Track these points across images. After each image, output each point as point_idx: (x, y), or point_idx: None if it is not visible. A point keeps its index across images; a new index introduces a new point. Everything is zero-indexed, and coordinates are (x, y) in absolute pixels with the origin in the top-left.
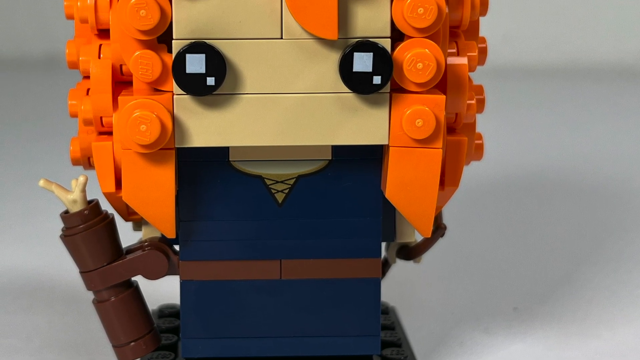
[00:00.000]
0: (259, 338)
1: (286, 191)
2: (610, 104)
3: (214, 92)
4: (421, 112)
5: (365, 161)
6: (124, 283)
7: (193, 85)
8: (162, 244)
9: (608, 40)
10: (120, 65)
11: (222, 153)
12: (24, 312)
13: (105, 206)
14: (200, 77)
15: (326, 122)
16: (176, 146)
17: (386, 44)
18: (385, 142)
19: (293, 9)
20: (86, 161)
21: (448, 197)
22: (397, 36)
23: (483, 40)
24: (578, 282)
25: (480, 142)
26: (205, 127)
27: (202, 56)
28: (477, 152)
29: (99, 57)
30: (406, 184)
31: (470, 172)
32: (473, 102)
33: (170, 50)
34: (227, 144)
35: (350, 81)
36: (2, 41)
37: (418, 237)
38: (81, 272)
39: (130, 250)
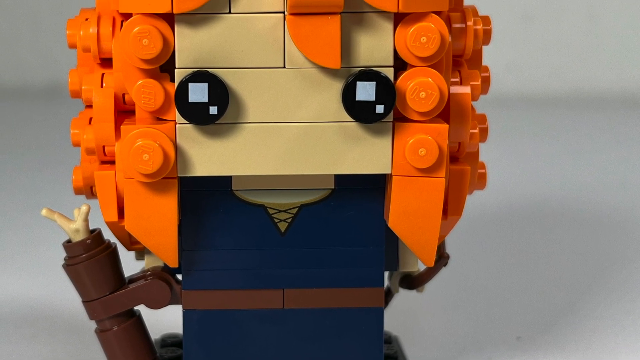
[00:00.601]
0: None
1: (289, 220)
2: (613, 132)
3: (217, 121)
4: (424, 141)
5: (368, 190)
6: (126, 312)
7: (196, 114)
8: (164, 273)
9: (611, 69)
10: (123, 94)
11: (224, 182)
12: (27, 342)
13: (108, 235)
14: (203, 106)
15: (329, 152)
16: (179, 175)
17: (389, 72)
18: (388, 171)
19: (296, 38)
20: (89, 190)
21: (451, 227)
22: (400, 65)
23: (486, 69)
24: (581, 311)
25: (483, 171)
26: (208, 156)
27: (205, 85)
28: (480, 181)
29: (102, 86)
30: (409, 213)
31: (473, 201)
32: (476, 131)
33: (172, 79)
34: (229, 173)
35: (353, 110)
36: (4, 70)
37: (421, 267)
38: (84, 302)
39: (132, 279)
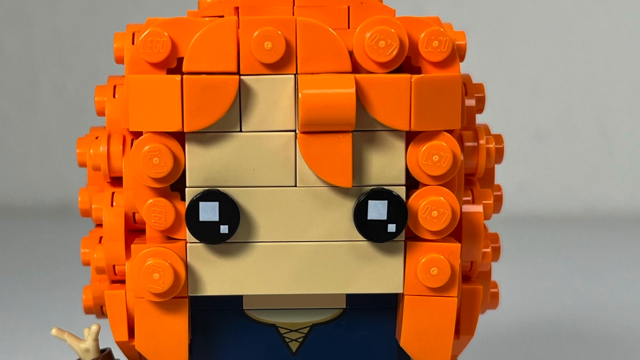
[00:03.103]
0: None
1: (300, 340)
2: (626, 252)
3: (228, 240)
4: (436, 260)
5: (379, 309)
6: None
7: (206, 234)
8: None
9: (624, 188)
10: (133, 213)
11: (235, 301)
12: None
13: (118, 355)
14: (214, 225)
15: (340, 271)
16: (189, 295)
17: (401, 191)
18: (400, 291)
19: (307, 156)
20: (99, 310)
21: (463, 346)
22: (412, 183)
23: (498, 188)
24: None
25: (495, 290)
26: (219, 276)
27: (216, 204)
28: (493, 300)
29: (112, 205)
30: (421, 332)
31: (486, 320)
32: (488, 250)
33: (183, 198)
34: (240, 292)
35: (365, 229)
36: (14, 189)
37: None
38: None
39: None
